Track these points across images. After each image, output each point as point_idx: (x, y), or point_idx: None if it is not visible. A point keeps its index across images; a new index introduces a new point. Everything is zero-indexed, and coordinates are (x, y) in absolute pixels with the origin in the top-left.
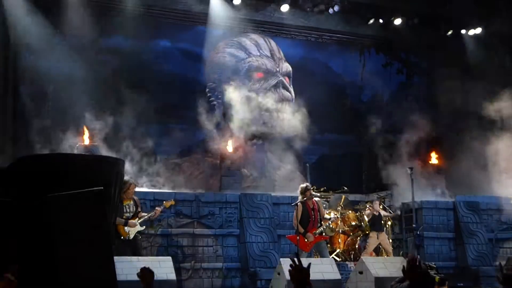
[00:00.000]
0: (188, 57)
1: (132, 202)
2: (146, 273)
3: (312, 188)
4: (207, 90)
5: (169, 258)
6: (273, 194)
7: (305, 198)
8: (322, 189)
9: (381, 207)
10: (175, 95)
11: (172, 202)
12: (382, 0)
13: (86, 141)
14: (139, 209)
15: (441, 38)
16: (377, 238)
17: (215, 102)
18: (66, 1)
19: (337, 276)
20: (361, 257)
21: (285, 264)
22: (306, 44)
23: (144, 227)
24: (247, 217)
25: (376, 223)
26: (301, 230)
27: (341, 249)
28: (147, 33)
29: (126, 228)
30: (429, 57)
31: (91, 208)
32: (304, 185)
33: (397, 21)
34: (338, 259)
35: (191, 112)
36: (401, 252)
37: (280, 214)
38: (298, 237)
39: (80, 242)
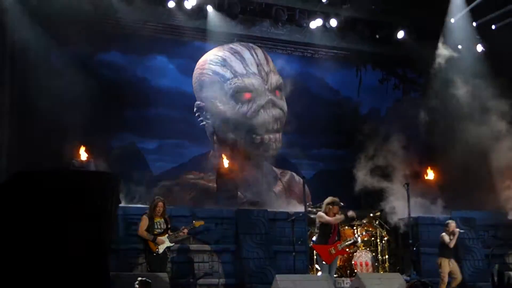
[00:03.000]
0: (185, 73)
1: (162, 219)
2: (143, 284)
3: (308, 204)
4: (195, 109)
5: (165, 274)
6: (269, 210)
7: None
8: (318, 205)
9: (376, 223)
10: (172, 111)
11: (202, 222)
12: (379, 16)
13: (82, 157)
14: (169, 227)
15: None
16: (449, 265)
17: (204, 123)
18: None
19: None
20: (357, 273)
21: (281, 280)
22: (302, 60)
23: (173, 244)
24: (243, 233)
25: (446, 248)
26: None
27: (338, 265)
28: (143, 48)
29: (155, 244)
30: (426, 73)
31: (86, 224)
32: (331, 198)
33: (394, 37)
34: (335, 275)
35: (189, 127)
36: (397, 268)
37: (277, 230)
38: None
39: (75, 259)
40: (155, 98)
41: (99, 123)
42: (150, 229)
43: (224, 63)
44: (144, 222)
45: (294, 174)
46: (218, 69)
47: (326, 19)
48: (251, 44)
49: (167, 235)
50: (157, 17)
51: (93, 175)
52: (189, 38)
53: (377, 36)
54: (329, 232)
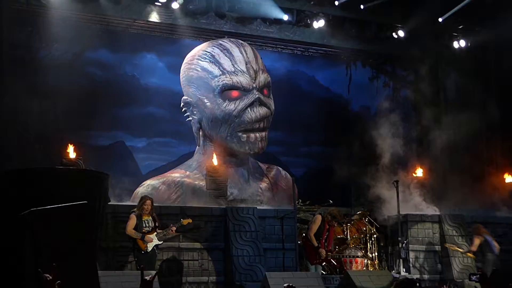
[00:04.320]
0: (174, 71)
1: (150, 218)
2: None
3: (298, 201)
4: (182, 104)
5: (154, 272)
6: (258, 207)
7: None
8: (307, 202)
9: (366, 220)
10: (161, 109)
11: (190, 220)
12: (368, 14)
13: (71, 155)
14: (158, 225)
15: (428, 52)
16: None
17: (190, 118)
18: (51, 14)
19: None
20: (346, 270)
21: (271, 278)
22: (292, 58)
23: (162, 242)
24: (233, 231)
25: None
26: (315, 243)
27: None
28: (132, 46)
29: (144, 242)
30: (415, 71)
31: (75, 222)
32: (337, 212)
33: (383, 34)
34: (324, 272)
35: (178, 126)
36: (386, 265)
37: (266, 227)
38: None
39: (64, 256)
40: (144, 96)
41: (88, 121)
42: (138, 227)
43: (212, 59)
44: (132, 221)
45: (280, 169)
46: (206, 65)
47: (315, 17)
48: (240, 41)
49: (155, 233)
50: (146, 15)
51: (82, 173)
52: (178, 36)
53: (367, 34)
54: (320, 234)
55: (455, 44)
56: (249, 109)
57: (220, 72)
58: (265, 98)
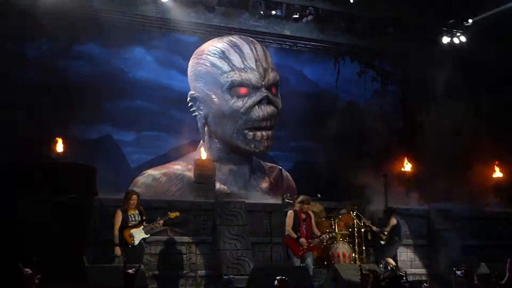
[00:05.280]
0: (163, 65)
1: (137, 211)
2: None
3: (286, 195)
4: (188, 99)
5: (142, 266)
6: (247, 201)
7: (297, 208)
8: (296, 197)
9: (354, 214)
10: (149, 103)
11: (177, 213)
12: (356, 9)
13: (59, 149)
14: (144, 218)
15: (416, 47)
16: None
17: (196, 113)
18: (39, 7)
19: (310, 283)
20: (334, 264)
21: (259, 271)
22: (280, 52)
23: (148, 235)
24: (221, 225)
25: None
26: (294, 235)
27: (315, 256)
28: (120, 40)
29: (130, 235)
30: (404, 66)
31: (62, 215)
32: (303, 197)
33: (372, 30)
34: (312, 266)
35: (166, 120)
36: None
37: (254, 221)
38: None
39: (51, 248)
40: (132, 90)
41: (76, 114)
42: (124, 221)
43: (222, 55)
44: (118, 218)
45: (283, 169)
46: (216, 61)
47: (304, 12)
48: (251, 38)
49: (142, 226)
50: (135, 8)
51: (69, 167)
52: (166, 30)
53: (355, 29)
54: (298, 226)
55: (444, 39)
56: (256, 107)
57: (230, 68)
58: (273, 97)
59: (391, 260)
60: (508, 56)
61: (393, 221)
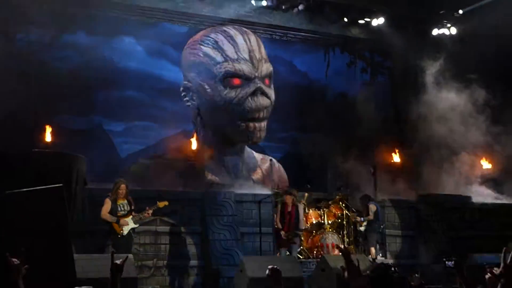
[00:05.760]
0: (153, 55)
1: (126, 201)
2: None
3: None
4: (181, 88)
5: (131, 255)
6: (236, 191)
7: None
8: (285, 186)
9: (343, 205)
10: (139, 93)
11: (166, 203)
12: None
13: (48, 138)
14: (133, 208)
15: (406, 38)
16: None
17: (189, 103)
18: None
19: (299, 273)
20: (323, 254)
21: (248, 262)
22: (271, 42)
23: (138, 225)
24: (210, 215)
25: None
26: (279, 227)
27: (304, 246)
28: (111, 30)
29: (119, 225)
30: (393, 57)
31: (50, 205)
32: (287, 189)
33: (362, 20)
34: (301, 256)
35: (157, 110)
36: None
37: (243, 211)
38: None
39: (39, 239)
40: (122, 80)
41: (65, 105)
42: (113, 211)
43: (216, 45)
44: (107, 205)
45: (274, 161)
46: (209, 51)
47: (294, 2)
48: (245, 29)
49: (131, 216)
50: None
51: (58, 156)
52: (156, 19)
53: (345, 20)
54: (283, 218)
55: (434, 31)
56: (249, 98)
57: (223, 59)
58: (266, 88)
59: (372, 252)
60: (497, 47)
61: (373, 207)
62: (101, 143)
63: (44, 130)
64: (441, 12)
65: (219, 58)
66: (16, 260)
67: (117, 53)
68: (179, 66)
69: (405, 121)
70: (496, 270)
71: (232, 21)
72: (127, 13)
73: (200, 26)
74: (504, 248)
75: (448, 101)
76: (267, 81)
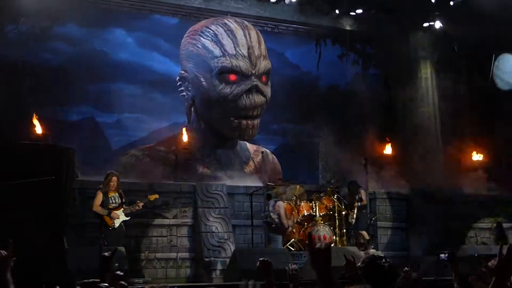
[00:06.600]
0: (144, 46)
1: (117, 194)
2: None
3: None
4: (177, 78)
5: (122, 248)
6: (228, 184)
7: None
8: (279, 178)
9: (334, 197)
10: (131, 85)
11: (156, 196)
12: None
13: (38, 130)
14: (124, 201)
15: (398, 30)
16: None
17: (184, 93)
18: None
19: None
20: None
21: (240, 254)
22: (262, 34)
23: (129, 217)
24: (202, 207)
25: None
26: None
27: (296, 239)
28: (102, 21)
29: (110, 218)
30: (385, 48)
31: (40, 197)
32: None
33: (353, 12)
34: (292, 249)
35: (148, 102)
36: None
37: (235, 204)
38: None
39: (30, 231)
40: (114, 72)
41: (56, 96)
42: (104, 204)
43: (215, 38)
44: (98, 198)
45: (268, 152)
46: (208, 43)
47: None
48: (246, 23)
49: (122, 209)
50: None
51: (48, 149)
52: (147, 11)
53: (337, 11)
54: None
55: (426, 22)
56: (244, 95)
57: (221, 53)
58: (262, 86)
59: (364, 233)
60: (489, 38)
61: (364, 193)
62: (93, 135)
63: (34, 122)
64: (432, 2)
65: (217, 52)
66: (3, 252)
67: (108, 44)
68: (174, 57)
69: (396, 112)
70: (492, 263)
71: (223, 13)
72: (117, 4)
73: (191, 18)
74: (501, 242)
75: (440, 92)
76: (264, 78)
